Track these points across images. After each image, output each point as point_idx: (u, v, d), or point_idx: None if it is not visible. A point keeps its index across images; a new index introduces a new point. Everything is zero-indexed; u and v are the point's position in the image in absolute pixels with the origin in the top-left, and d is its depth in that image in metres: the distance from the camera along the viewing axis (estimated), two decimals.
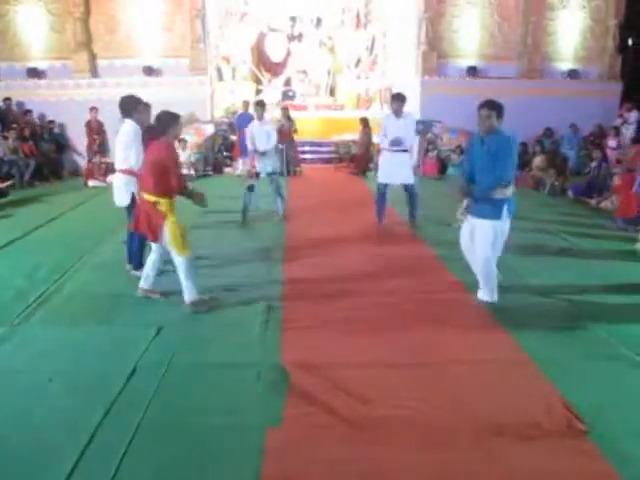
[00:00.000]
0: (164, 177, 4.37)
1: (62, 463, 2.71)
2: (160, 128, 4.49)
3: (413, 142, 7.79)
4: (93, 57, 13.97)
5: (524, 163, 12.71)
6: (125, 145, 5.12)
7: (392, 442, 2.91)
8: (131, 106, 5.18)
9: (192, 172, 12.50)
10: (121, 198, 5.28)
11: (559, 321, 4.45)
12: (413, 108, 14.05)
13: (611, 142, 12.46)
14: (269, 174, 7.87)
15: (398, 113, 7.25)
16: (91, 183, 11.54)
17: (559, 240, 7.00)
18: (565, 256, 6.31)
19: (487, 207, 4.48)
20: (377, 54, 17.04)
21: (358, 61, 17.21)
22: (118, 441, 2.87)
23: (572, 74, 14.60)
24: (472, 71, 14.34)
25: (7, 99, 13.02)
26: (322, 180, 12.38)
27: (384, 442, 2.90)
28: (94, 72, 13.95)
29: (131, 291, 5.07)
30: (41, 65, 13.87)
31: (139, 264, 5.35)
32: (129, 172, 5.16)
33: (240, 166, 12.82)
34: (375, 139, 12.46)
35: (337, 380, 3.48)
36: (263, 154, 7.75)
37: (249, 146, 7.91)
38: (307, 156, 14.44)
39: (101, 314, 4.65)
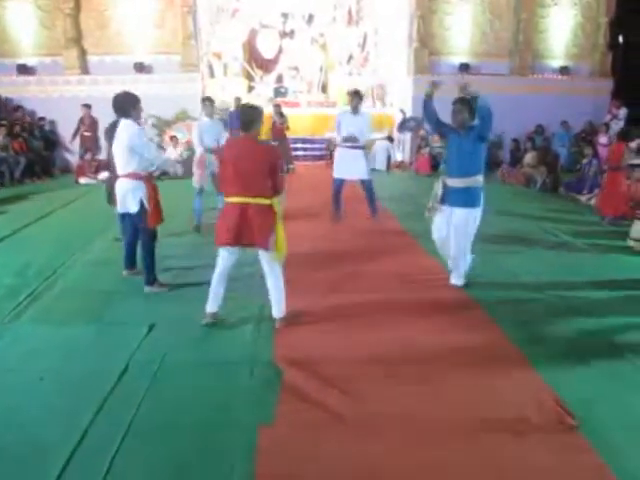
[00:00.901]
0: (275, 177, 4.12)
1: (54, 461, 2.70)
2: (246, 124, 4.09)
3: (368, 139, 7.82)
4: (83, 53, 13.88)
5: (515, 160, 12.78)
6: (129, 148, 4.73)
7: (385, 438, 2.91)
8: (129, 104, 4.85)
9: (179, 169, 12.39)
10: (129, 204, 4.87)
11: (550, 316, 4.47)
12: (405, 105, 14.12)
13: (602, 139, 12.53)
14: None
15: (355, 110, 7.30)
16: (82, 180, 11.48)
17: (550, 236, 7.04)
18: (556, 252, 6.36)
19: (467, 196, 4.72)
20: (369, 51, 17.03)
21: (350, 58, 17.19)
22: (110, 439, 2.86)
23: (563, 71, 14.67)
24: (464, 68, 14.37)
25: None
26: (314, 177, 12.36)
27: (377, 439, 2.91)
28: (84, 69, 13.86)
29: (122, 288, 5.06)
30: (31, 61, 13.77)
31: (133, 263, 5.40)
32: (135, 176, 4.82)
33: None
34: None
35: (330, 377, 3.48)
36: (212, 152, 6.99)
37: (198, 147, 7.18)
38: (299, 153, 14.43)
39: (92, 312, 4.62)
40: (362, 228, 7.35)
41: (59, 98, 13.25)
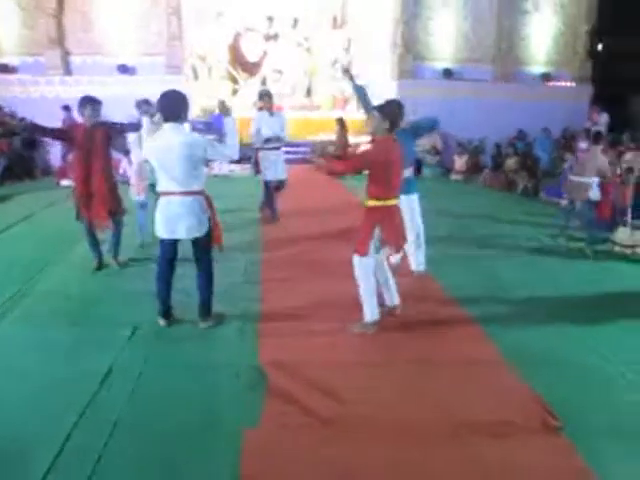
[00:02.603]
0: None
1: (38, 464, 2.68)
2: (393, 122, 3.98)
3: (286, 139, 7.86)
4: (66, 54, 13.73)
5: (497, 165, 12.90)
6: (198, 159, 4.00)
7: (369, 440, 2.93)
8: (184, 106, 4.09)
9: None
10: (202, 226, 4.11)
11: (533, 320, 4.53)
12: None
13: (582, 144, 12.66)
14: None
15: (271, 111, 7.40)
16: (64, 182, 11.34)
17: (531, 241, 7.11)
18: (538, 256, 6.43)
19: (410, 185, 5.12)
20: (353, 55, 17.10)
21: (334, 62, 17.24)
22: (94, 442, 2.85)
23: (544, 77, 14.88)
24: (447, 73, 14.50)
25: None
26: (300, 180, 12.35)
27: (361, 441, 2.93)
28: (67, 69, 13.71)
29: (106, 291, 5.02)
30: (12, 61, 13.59)
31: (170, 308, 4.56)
32: (200, 192, 4.12)
33: (217, 166, 12.76)
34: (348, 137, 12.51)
35: (314, 380, 3.50)
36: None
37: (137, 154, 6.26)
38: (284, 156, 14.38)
39: (76, 314, 4.58)
40: (346, 228, 7.35)
41: (40, 98, 13.10)
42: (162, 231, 4.13)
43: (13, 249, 6.45)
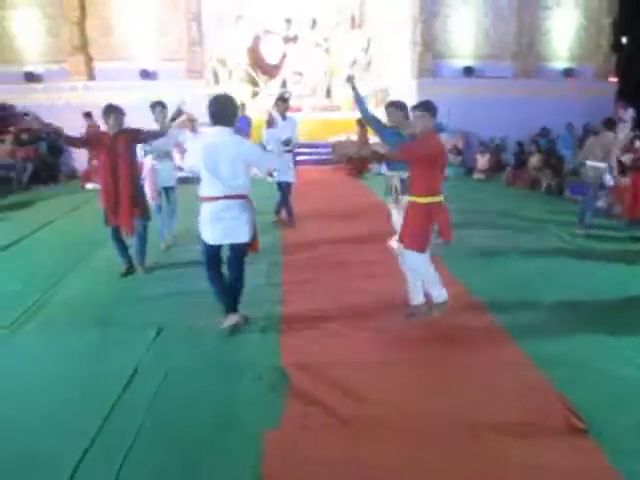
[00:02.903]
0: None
1: (63, 467, 2.71)
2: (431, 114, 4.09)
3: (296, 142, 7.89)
4: (89, 60, 13.98)
5: (520, 163, 12.75)
6: (245, 163, 3.98)
7: (390, 441, 2.92)
8: (234, 111, 4.07)
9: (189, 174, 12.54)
10: (242, 232, 4.10)
11: (557, 321, 4.46)
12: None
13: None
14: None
15: (284, 115, 7.50)
16: (88, 186, 11.53)
17: (556, 240, 7.02)
18: (563, 256, 6.33)
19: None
20: (372, 55, 17.07)
21: (353, 62, 17.23)
22: (119, 444, 2.88)
23: (567, 73, 14.67)
24: (468, 71, 14.39)
25: None
26: (319, 182, 12.38)
27: (382, 441, 2.92)
28: (90, 75, 13.96)
29: (129, 294, 5.08)
30: (38, 69, 13.88)
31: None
32: (246, 196, 4.12)
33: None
34: (374, 138, 12.43)
35: (336, 380, 3.50)
36: None
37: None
38: (303, 157, 14.44)
39: (100, 317, 4.64)
40: (368, 232, 7.34)
41: (65, 105, 13.33)
42: (209, 236, 4.08)
43: (39, 253, 6.57)
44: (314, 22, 17.57)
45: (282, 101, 7.63)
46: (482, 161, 13.32)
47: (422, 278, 4.38)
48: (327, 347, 4.01)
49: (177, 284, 5.32)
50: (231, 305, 4.25)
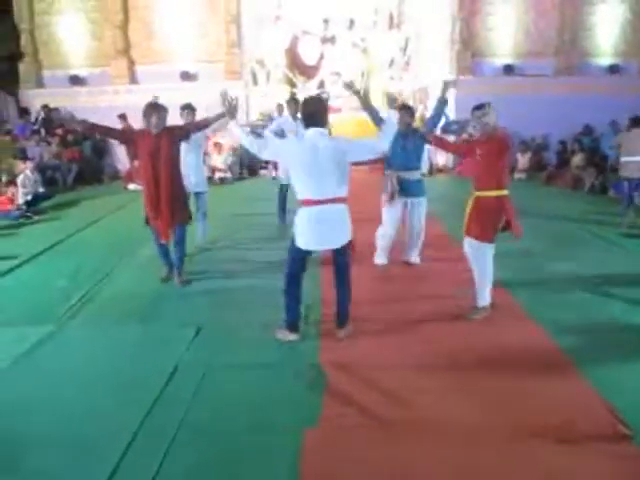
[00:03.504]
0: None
1: (105, 460, 2.79)
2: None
3: None
4: (132, 64, 14.31)
5: (563, 162, 12.47)
6: (345, 163, 3.88)
7: (429, 443, 2.90)
8: (324, 112, 3.96)
9: (228, 175, 12.75)
10: (345, 235, 4.00)
11: (600, 322, 4.36)
12: (448, 108, 13.96)
13: None
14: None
15: (295, 117, 7.39)
16: (130, 187, 11.80)
17: (600, 240, 6.85)
18: (607, 256, 6.17)
19: (420, 187, 5.69)
20: (410, 55, 16.94)
21: (392, 62, 17.14)
22: (160, 440, 2.94)
23: (612, 69, 14.26)
24: (508, 69, 14.14)
25: (45, 106, 13.43)
26: (355, 181, 12.35)
27: (421, 443, 2.90)
28: (132, 78, 14.28)
29: (170, 292, 5.18)
30: (82, 72, 14.28)
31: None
32: (346, 200, 3.99)
33: (275, 169, 12.94)
34: None
35: (374, 380, 3.50)
36: None
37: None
38: None
39: (142, 314, 4.75)
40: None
41: (108, 107, 13.66)
42: (309, 242, 3.93)
43: (83, 251, 6.75)
44: (352, 22, 17.53)
45: (294, 102, 7.54)
46: (523, 160, 13.08)
47: (481, 275, 4.43)
48: (365, 346, 4.01)
49: (216, 283, 5.40)
50: (295, 321, 4.13)
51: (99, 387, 3.54)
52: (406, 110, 5.58)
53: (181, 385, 3.52)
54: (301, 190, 3.89)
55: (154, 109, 5.04)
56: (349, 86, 4.96)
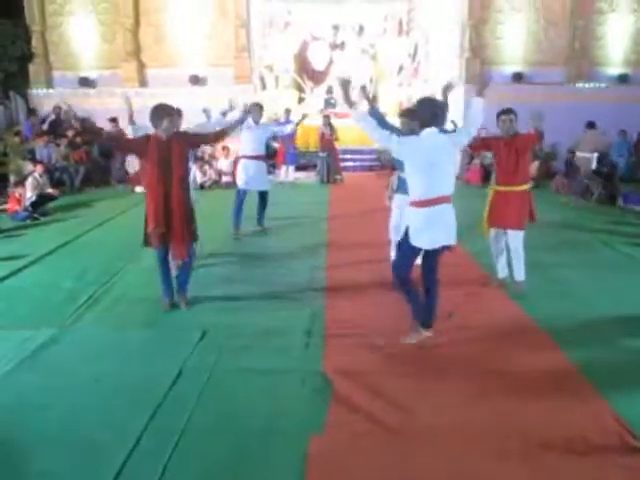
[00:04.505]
0: None
1: (110, 462, 2.77)
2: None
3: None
4: (142, 66, 14.37)
5: (571, 170, 12.39)
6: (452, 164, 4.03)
7: (435, 451, 2.87)
8: (441, 112, 3.99)
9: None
10: (454, 233, 4.00)
11: (609, 333, 4.31)
12: (456, 115, 13.95)
13: None
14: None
15: (258, 123, 7.48)
16: (138, 189, 11.81)
17: (608, 250, 6.80)
18: (614, 267, 6.12)
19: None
20: (419, 61, 16.94)
21: (400, 68, 17.15)
22: (164, 444, 2.92)
23: (621, 79, 14.21)
24: (517, 77, 14.11)
25: (57, 107, 13.52)
26: (362, 187, 12.35)
27: (427, 451, 2.88)
28: (142, 81, 14.34)
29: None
30: (92, 74, 14.35)
31: None
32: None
33: (283, 173, 12.96)
34: None
35: (380, 388, 3.47)
36: None
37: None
38: (349, 164, 14.44)
39: (147, 317, 4.75)
40: None
41: (117, 110, 13.69)
42: (426, 241, 3.88)
43: (90, 253, 6.76)
44: (361, 28, 17.59)
45: (259, 108, 7.60)
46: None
47: (518, 255, 5.17)
48: (370, 354, 3.98)
49: (220, 289, 5.37)
50: (429, 320, 4.15)
51: (104, 390, 3.53)
52: (408, 115, 5.45)
53: (186, 389, 3.50)
54: (418, 189, 3.87)
55: (166, 113, 4.48)
56: (345, 85, 5.05)
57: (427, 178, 3.81)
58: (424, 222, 3.84)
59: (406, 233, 3.90)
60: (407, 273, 4.03)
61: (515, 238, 5.13)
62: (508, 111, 5.08)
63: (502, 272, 5.37)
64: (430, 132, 3.84)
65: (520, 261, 5.17)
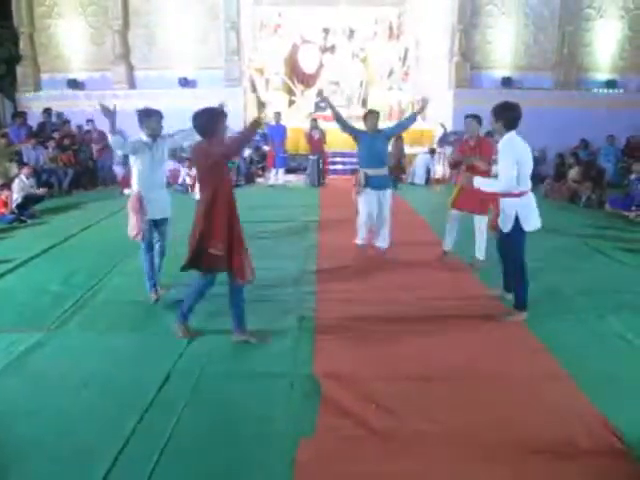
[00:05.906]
0: None
1: (97, 467, 2.74)
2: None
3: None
4: (131, 69, 14.30)
5: (559, 175, 12.49)
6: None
7: (424, 456, 2.86)
8: (517, 116, 4.56)
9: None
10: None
11: (598, 337, 4.34)
12: (446, 119, 14.01)
13: None
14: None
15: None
16: (126, 191, 11.74)
17: (596, 253, 6.84)
18: (603, 269, 6.16)
19: (387, 181, 6.52)
20: (410, 65, 17.02)
21: (390, 72, 17.21)
22: (151, 448, 2.89)
23: (609, 84, 14.35)
24: (507, 82, 14.20)
25: (47, 110, 13.41)
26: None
27: (416, 456, 2.86)
28: (131, 84, 14.27)
29: (164, 298, 5.12)
30: (80, 76, 14.26)
31: None
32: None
33: (273, 176, 12.94)
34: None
35: (369, 392, 3.45)
36: None
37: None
38: (338, 167, 14.44)
39: (135, 320, 4.70)
40: (401, 241, 7.26)
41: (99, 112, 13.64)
42: (535, 223, 4.56)
43: (77, 256, 6.68)
44: (351, 32, 17.63)
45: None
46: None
47: (482, 236, 6.00)
48: (360, 357, 3.97)
49: (210, 291, 5.32)
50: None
51: (91, 394, 3.49)
52: (373, 114, 6.43)
53: (174, 393, 3.47)
54: (523, 182, 4.45)
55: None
56: (324, 98, 6.00)
57: (525, 172, 4.44)
58: (532, 208, 4.53)
59: (516, 221, 4.45)
60: (523, 258, 4.58)
61: (479, 221, 6.03)
62: (472, 115, 6.02)
63: (446, 246, 6.34)
64: (513, 135, 4.53)
65: (483, 242, 6.02)
